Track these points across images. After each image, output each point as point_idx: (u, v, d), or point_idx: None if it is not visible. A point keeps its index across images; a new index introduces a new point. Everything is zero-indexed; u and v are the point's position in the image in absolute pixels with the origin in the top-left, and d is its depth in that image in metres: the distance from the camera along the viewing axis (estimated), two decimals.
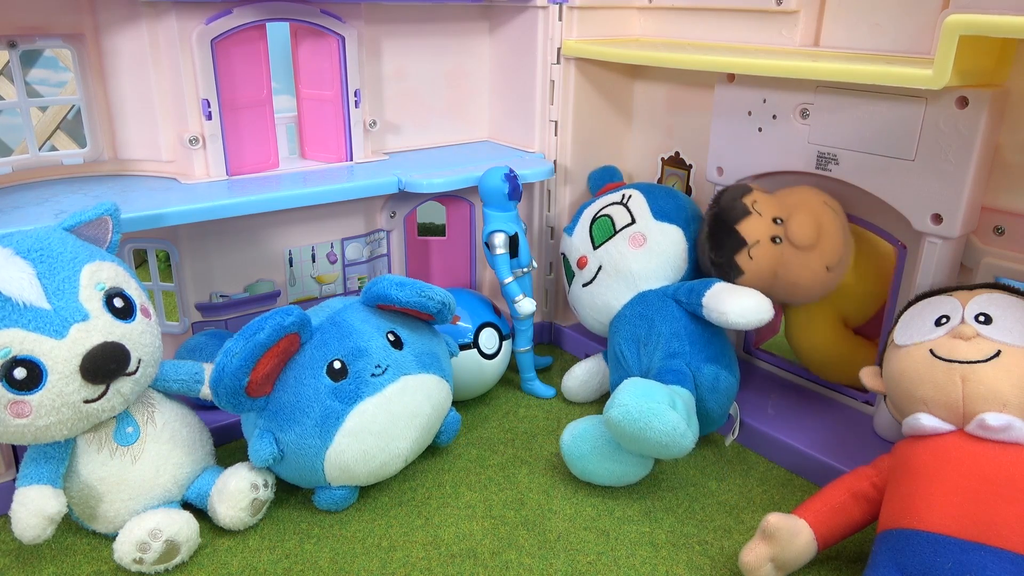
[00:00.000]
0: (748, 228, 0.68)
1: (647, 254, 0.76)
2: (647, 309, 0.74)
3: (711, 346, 0.71)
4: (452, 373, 0.71)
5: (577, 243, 0.81)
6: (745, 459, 0.73)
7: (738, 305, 0.67)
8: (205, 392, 0.65)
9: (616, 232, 0.77)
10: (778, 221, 0.68)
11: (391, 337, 0.64)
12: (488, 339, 0.79)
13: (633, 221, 0.77)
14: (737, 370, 0.73)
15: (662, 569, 0.59)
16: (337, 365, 0.61)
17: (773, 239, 0.68)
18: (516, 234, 0.78)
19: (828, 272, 0.69)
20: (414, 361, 0.64)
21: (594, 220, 0.80)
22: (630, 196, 0.79)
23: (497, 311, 0.82)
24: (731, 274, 0.70)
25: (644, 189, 0.80)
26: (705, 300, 0.69)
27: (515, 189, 0.77)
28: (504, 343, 0.81)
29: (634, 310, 0.75)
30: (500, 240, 0.77)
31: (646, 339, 0.72)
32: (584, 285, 0.80)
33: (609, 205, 0.80)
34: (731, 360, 0.73)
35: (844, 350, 0.76)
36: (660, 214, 0.77)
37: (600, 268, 0.78)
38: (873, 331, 0.77)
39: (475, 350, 0.78)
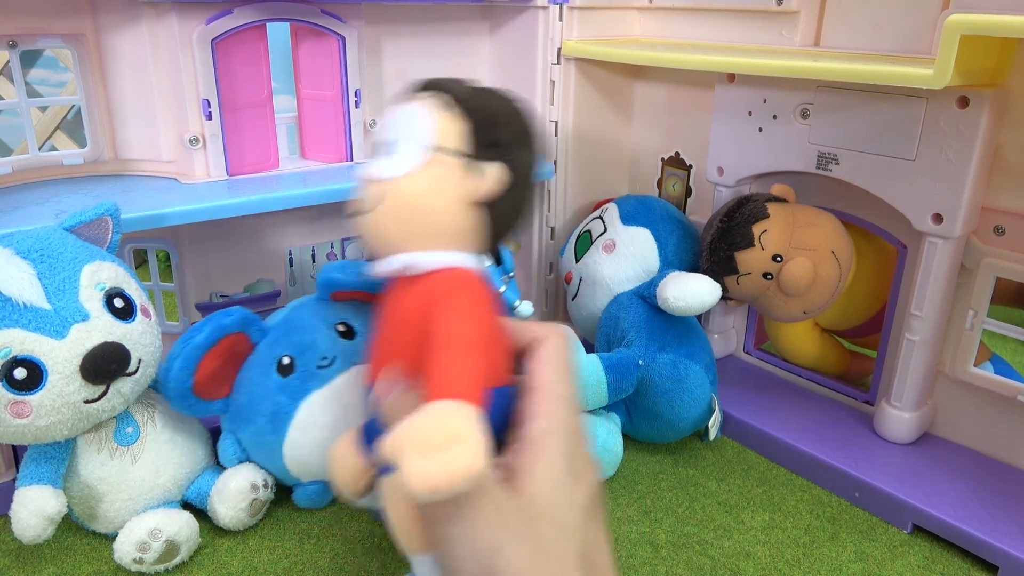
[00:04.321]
0: (745, 259, 0.69)
1: (617, 258, 0.77)
2: (618, 310, 0.75)
3: (667, 334, 0.71)
4: None
5: (565, 261, 0.84)
6: (745, 459, 0.73)
7: (677, 288, 0.68)
8: None
9: (592, 243, 0.80)
10: (778, 258, 0.68)
11: (341, 328, 0.64)
12: None
13: (605, 230, 0.79)
14: (707, 359, 0.72)
15: (662, 569, 0.59)
16: (286, 361, 0.61)
17: (765, 275, 0.69)
18: None
19: (804, 314, 0.71)
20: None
21: (578, 237, 0.83)
22: (606, 208, 0.82)
23: None
24: None
25: (620, 199, 0.83)
26: (657, 290, 0.70)
27: None
28: None
29: (607, 312, 0.76)
30: None
31: (614, 338, 0.74)
32: (572, 299, 0.82)
33: (590, 221, 0.83)
34: (696, 350, 0.72)
35: (815, 351, 0.81)
36: (627, 218, 0.79)
37: (581, 280, 0.80)
38: (871, 330, 0.77)
39: None
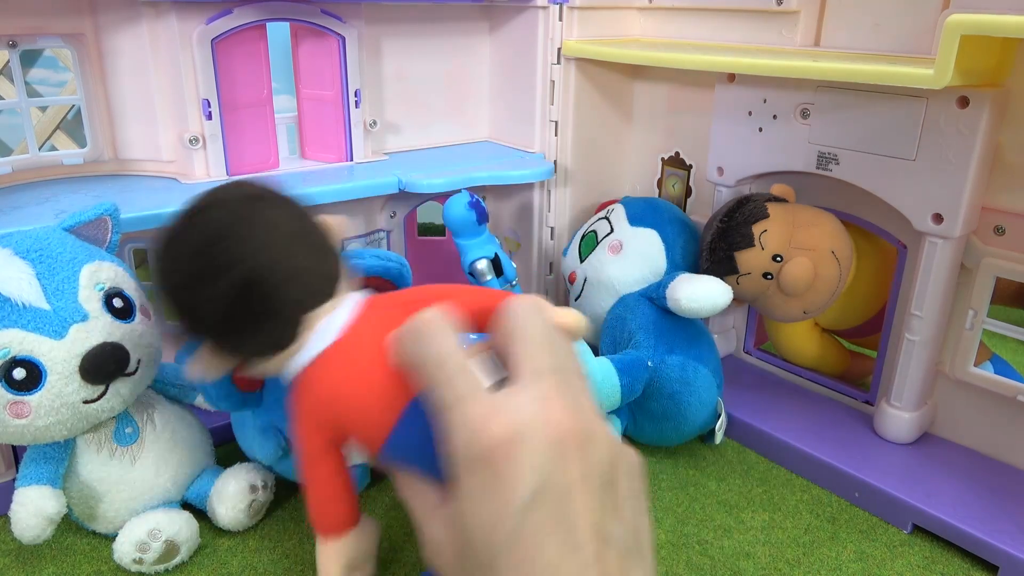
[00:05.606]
0: (745, 259, 0.69)
1: (623, 259, 0.77)
2: (624, 311, 0.74)
3: (675, 336, 0.71)
4: None
5: (569, 261, 0.84)
6: (745, 459, 0.73)
7: (690, 290, 0.68)
8: (200, 401, 0.64)
9: (598, 243, 0.80)
10: (778, 258, 0.68)
11: None
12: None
13: (612, 231, 0.79)
14: (714, 362, 0.73)
15: (662, 569, 0.59)
16: None
17: (765, 275, 0.69)
18: (496, 255, 0.74)
19: (804, 314, 0.71)
20: None
21: (583, 237, 0.83)
22: (613, 209, 0.82)
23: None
24: None
25: (626, 200, 0.83)
26: (668, 291, 0.70)
27: (482, 213, 0.73)
28: None
29: (613, 313, 0.76)
30: (484, 266, 0.73)
31: (620, 339, 0.73)
32: (575, 299, 0.82)
33: (596, 221, 0.83)
34: (704, 352, 0.72)
35: (814, 351, 0.81)
36: (635, 219, 0.79)
37: (585, 280, 0.80)
38: (871, 330, 0.77)
39: None
